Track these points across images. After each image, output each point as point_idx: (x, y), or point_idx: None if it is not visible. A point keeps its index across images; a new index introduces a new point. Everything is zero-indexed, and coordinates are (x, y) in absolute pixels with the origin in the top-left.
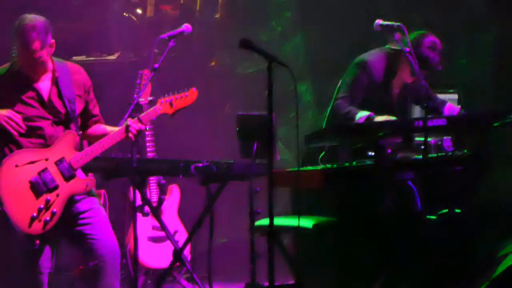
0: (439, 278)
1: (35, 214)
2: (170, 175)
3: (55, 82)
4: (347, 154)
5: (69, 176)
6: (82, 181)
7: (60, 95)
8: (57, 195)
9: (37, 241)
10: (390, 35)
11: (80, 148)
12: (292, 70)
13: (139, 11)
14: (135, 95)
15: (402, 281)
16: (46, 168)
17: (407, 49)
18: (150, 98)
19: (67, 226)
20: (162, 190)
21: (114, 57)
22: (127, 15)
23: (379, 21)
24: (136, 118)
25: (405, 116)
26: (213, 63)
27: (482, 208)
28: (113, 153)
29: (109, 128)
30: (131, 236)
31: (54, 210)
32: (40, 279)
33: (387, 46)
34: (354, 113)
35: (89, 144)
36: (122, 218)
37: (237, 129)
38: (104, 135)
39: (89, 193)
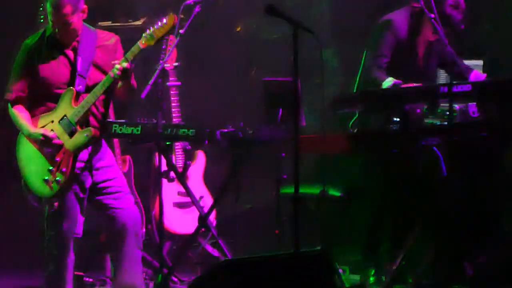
0: (464, 246)
1: (47, 177)
2: (196, 141)
3: (77, 43)
4: (378, 120)
5: (70, 131)
6: (82, 132)
7: (76, 54)
8: (64, 153)
9: (56, 203)
10: (429, 24)
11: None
12: (318, 35)
13: None
14: (161, 61)
15: (427, 247)
16: (52, 130)
17: (432, 15)
18: (176, 63)
19: (89, 194)
20: (188, 156)
21: (140, 23)
22: None
23: None
24: (124, 57)
25: (431, 79)
26: (238, 29)
27: (507, 174)
28: (138, 118)
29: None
30: (156, 201)
31: (63, 169)
32: (65, 244)
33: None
34: (382, 80)
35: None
36: (148, 184)
37: (263, 94)
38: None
39: (110, 162)
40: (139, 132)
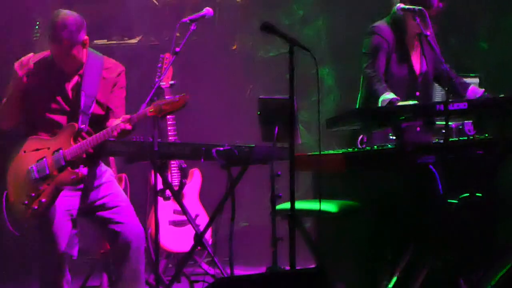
0: (460, 262)
1: (26, 202)
2: (192, 159)
3: (80, 77)
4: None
5: (60, 166)
6: (70, 173)
7: (79, 88)
8: (48, 184)
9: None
10: (411, 19)
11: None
12: (314, 53)
13: None
14: (157, 79)
15: (423, 266)
16: (44, 157)
17: (428, 32)
18: (172, 81)
19: (88, 214)
20: (184, 174)
21: (136, 41)
22: None
23: (400, 5)
24: (126, 117)
25: (428, 91)
26: (234, 47)
27: (503, 192)
28: (135, 137)
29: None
30: (152, 220)
31: (43, 199)
32: (60, 265)
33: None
34: (381, 93)
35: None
36: (144, 202)
37: (259, 112)
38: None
39: (107, 179)
40: (135, 151)
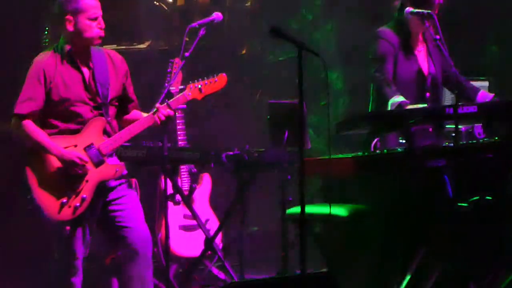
0: (470, 266)
1: (64, 200)
2: (202, 164)
3: (91, 67)
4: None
5: (98, 161)
6: (112, 166)
7: (94, 80)
8: (87, 181)
9: (67, 227)
10: (421, 23)
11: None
12: (323, 57)
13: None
14: (166, 84)
15: (433, 270)
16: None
17: (438, 36)
18: (181, 86)
19: (100, 213)
20: (194, 179)
21: (145, 46)
22: (158, 3)
23: (409, 9)
24: (165, 103)
25: (438, 92)
26: (243, 51)
27: None
28: (144, 141)
29: (144, 115)
30: (162, 224)
31: (84, 196)
32: (75, 265)
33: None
34: (390, 96)
35: None
36: (153, 207)
37: (268, 117)
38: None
39: (122, 180)
40: (144, 155)
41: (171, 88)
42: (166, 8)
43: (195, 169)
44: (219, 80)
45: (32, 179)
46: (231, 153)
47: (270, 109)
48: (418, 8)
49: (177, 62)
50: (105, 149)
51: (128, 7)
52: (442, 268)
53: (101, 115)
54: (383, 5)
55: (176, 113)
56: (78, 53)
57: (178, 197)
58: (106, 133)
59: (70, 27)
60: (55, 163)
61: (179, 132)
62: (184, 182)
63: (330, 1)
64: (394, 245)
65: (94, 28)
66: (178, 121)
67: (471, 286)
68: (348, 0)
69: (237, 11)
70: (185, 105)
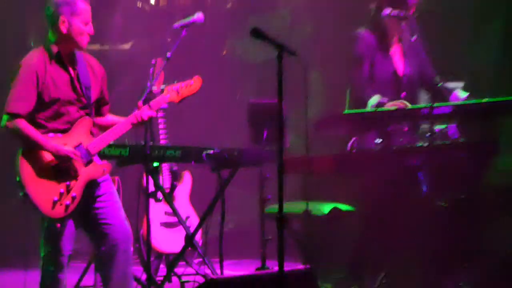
0: (445, 262)
1: (56, 198)
2: (182, 162)
3: (75, 69)
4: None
5: (87, 161)
6: (99, 166)
7: (79, 81)
8: (76, 179)
9: (58, 224)
10: (398, 25)
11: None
12: (302, 59)
13: (152, 1)
14: (148, 83)
15: (409, 265)
16: (66, 155)
17: (414, 37)
18: (163, 86)
19: (84, 209)
20: (175, 177)
21: (128, 46)
22: (140, 5)
23: (386, 11)
24: (147, 104)
25: (413, 92)
26: (224, 52)
27: (486, 193)
28: (127, 140)
29: (117, 119)
30: (144, 221)
31: (74, 194)
32: (61, 261)
33: None
34: (366, 99)
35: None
36: (136, 204)
37: (248, 116)
38: (113, 124)
39: (105, 177)
40: (127, 154)
41: (153, 88)
42: (149, 10)
43: (176, 167)
44: (195, 83)
45: (26, 173)
46: (211, 151)
47: (250, 109)
48: (395, 9)
49: (159, 62)
50: (93, 149)
51: (112, 8)
52: (418, 263)
53: (87, 114)
54: (360, 8)
55: (157, 112)
56: (64, 55)
57: (159, 194)
58: (91, 133)
59: (63, 29)
60: (46, 161)
61: (160, 131)
62: (165, 180)
63: (309, 4)
64: (371, 241)
65: (85, 33)
66: (159, 120)
67: (446, 281)
68: (326, 3)
69: (218, 12)
70: (166, 105)
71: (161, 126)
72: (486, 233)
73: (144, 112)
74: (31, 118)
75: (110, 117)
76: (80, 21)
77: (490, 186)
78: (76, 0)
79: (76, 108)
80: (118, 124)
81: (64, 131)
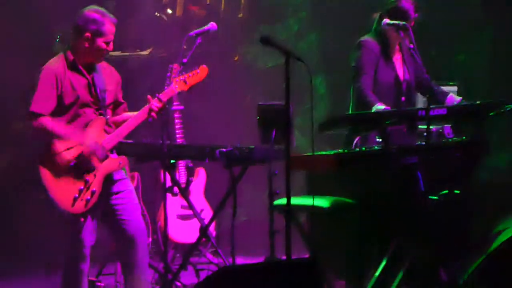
0: (439, 254)
1: (76, 195)
2: (197, 159)
3: (92, 74)
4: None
5: (102, 157)
6: (115, 159)
7: (94, 85)
8: (95, 175)
9: (82, 219)
10: (396, 33)
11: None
12: (308, 64)
13: (169, 11)
14: (165, 87)
15: (407, 257)
16: (82, 152)
17: (411, 45)
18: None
19: (102, 205)
20: (190, 173)
21: (147, 53)
22: (158, 14)
23: (386, 20)
24: (156, 97)
25: (411, 96)
26: (236, 58)
27: (479, 189)
28: (145, 139)
29: (131, 114)
30: (161, 214)
31: (94, 189)
32: (84, 253)
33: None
34: (373, 104)
35: None
36: (154, 198)
37: (258, 117)
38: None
39: (123, 176)
40: (146, 152)
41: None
42: (166, 19)
43: (191, 164)
44: (201, 71)
45: (46, 177)
46: (224, 149)
47: (259, 111)
48: (395, 20)
49: (176, 67)
50: (107, 145)
51: (132, 17)
52: (415, 255)
53: (101, 115)
54: (363, 17)
55: (175, 113)
56: (81, 63)
57: (176, 189)
58: (105, 131)
59: (86, 44)
60: (65, 162)
61: (177, 131)
62: (181, 175)
63: (314, 14)
64: (371, 234)
65: (105, 51)
66: (176, 121)
67: (441, 271)
68: (330, 13)
69: (231, 22)
70: (182, 106)
71: (177, 126)
72: (478, 227)
73: (153, 104)
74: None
75: (125, 114)
76: (103, 41)
77: (481, 182)
78: (105, 21)
79: (92, 110)
80: (130, 119)
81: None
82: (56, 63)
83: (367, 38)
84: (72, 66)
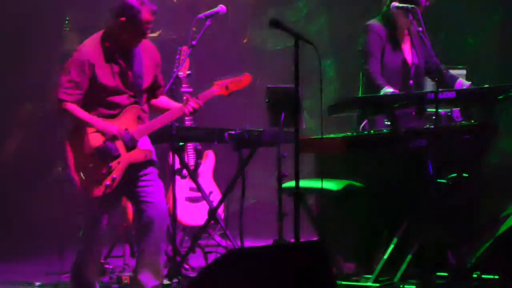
0: (448, 237)
1: (98, 178)
2: (206, 142)
3: (128, 59)
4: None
5: (131, 146)
6: (142, 151)
7: (132, 70)
8: (119, 163)
9: (97, 204)
10: (405, 17)
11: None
12: (317, 47)
13: None
14: (175, 69)
15: (415, 239)
16: (106, 139)
17: (420, 28)
18: (188, 72)
19: (128, 186)
20: (199, 155)
21: (156, 35)
22: None
23: (395, 4)
24: (194, 97)
25: (420, 80)
26: (245, 41)
27: (487, 172)
28: None
29: (171, 102)
30: (170, 196)
31: (114, 176)
32: (98, 234)
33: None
34: (381, 87)
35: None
36: (163, 180)
37: (267, 100)
38: (166, 109)
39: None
40: (155, 134)
41: (179, 73)
42: (176, 1)
43: (200, 147)
44: (244, 79)
45: (70, 154)
46: (233, 132)
47: (268, 93)
48: (404, 3)
49: (185, 49)
50: (138, 135)
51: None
52: (423, 238)
53: (136, 102)
54: (373, 1)
55: (184, 97)
56: (117, 47)
57: (184, 171)
58: (139, 118)
59: (120, 29)
60: (91, 145)
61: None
62: (190, 158)
63: None
64: (380, 217)
65: (139, 38)
66: None
67: (449, 255)
68: None
69: (240, 4)
70: (191, 89)
71: None
72: (486, 211)
73: (191, 104)
74: (84, 103)
75: (164, 100)
76: (137, 28)
77: (490, 166)
78: (143, 9)
79: (126, 96)
80: (166, 114)
81: (112, 117)
82: (90, 46)
83: (373, 21)
84: (107, 51)
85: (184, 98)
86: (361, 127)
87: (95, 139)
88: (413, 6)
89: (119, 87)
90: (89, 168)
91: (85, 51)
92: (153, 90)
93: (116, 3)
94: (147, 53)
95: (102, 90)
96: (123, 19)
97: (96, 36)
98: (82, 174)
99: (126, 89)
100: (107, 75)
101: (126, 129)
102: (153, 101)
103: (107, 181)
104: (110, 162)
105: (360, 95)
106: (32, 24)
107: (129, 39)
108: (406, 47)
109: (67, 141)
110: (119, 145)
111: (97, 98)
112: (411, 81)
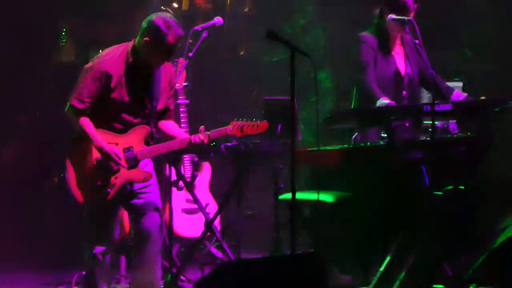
0: (444, 248)
1: (92, 189)
2: (203, 153)
3: (148, 79)
4: (376, 135)
5: (132, 165)
6: (142, 172)
7: (148, 91)
8: (116, 178)
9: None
10: (401, 28)
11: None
12: (313, 59)
13: (175, 5)
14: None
15: (411, 251)
16: (101, 157)
17: (417, 41)
18: (185, 83)
19: (125, 198)
20: (195, 167)
21: None
22: (164, 8)
23: (391, 16)
24: (206, 132)
25: (414, 91)
26: (242, 53)
27: (483, 184)
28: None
29: (179, 131)
30: (166, 208)
31: (109, 190)
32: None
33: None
34: (377, 95)
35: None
36: (159, 192)
37: (263, 112)
38: (172, 136)
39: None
40: None
41: (176, 85)
42: (172, 13)
43: (197, 158)
44: (261, 126)
45: (71, 173)
46: (229, 144)
47: (265, 105)
48: (397, 14)
49: (182, 61)
50: (141, 156)
51: (139, 11)
52: (419, 250)
53: (147, 123)
54: (368, 12)
55: (180, 108)
56: (138, 66)
57: (181, 183)
58: (146, 141)
59: (144, 47)
60: (93, 157)
61: (182, 125)
62: (186, 170)
63: (320, 9)
64: (376, 229)
65: (161, 60)
66: (182, 115)
67: (445, 267)
68: (336, 7)
69: (236, 16)
70: (188, 101)
71: (183, 120)
72: (483, 222)
73: (200, 136)
74: (94, 112)
75: (173, 127)
76: (161, 50)
77: (486, 178)
78: (169, 34)
79: (137, 114)
80: (173, 141)
81: (121, 131)
82: (113, 57)
83: (365, 33)
84: (128, 67)
85: (199, 129)
86: (352, 139)
87: (93, 154)
88: (409, 18)
89: (133, 105)
90: (86, 177)
91: (107, 61)
92: (164, 113)
93: (145, 21)
94: (166, 75)
95: (114, 104)
96: (148, 39)
97: (123, 49)
98: (77, 181)
99: (139, 108)
100: (122, 91)
101: (131, 147)
102: (162, 124)
103: (102, 193)
104: (108, 176)
105: (353, 107)
106: (28, 35)
107: (151, 59)
108: (399, 57)
109: (67, 157)
110: (111, 164)
111: (109, 110)
112: (404, 92)
